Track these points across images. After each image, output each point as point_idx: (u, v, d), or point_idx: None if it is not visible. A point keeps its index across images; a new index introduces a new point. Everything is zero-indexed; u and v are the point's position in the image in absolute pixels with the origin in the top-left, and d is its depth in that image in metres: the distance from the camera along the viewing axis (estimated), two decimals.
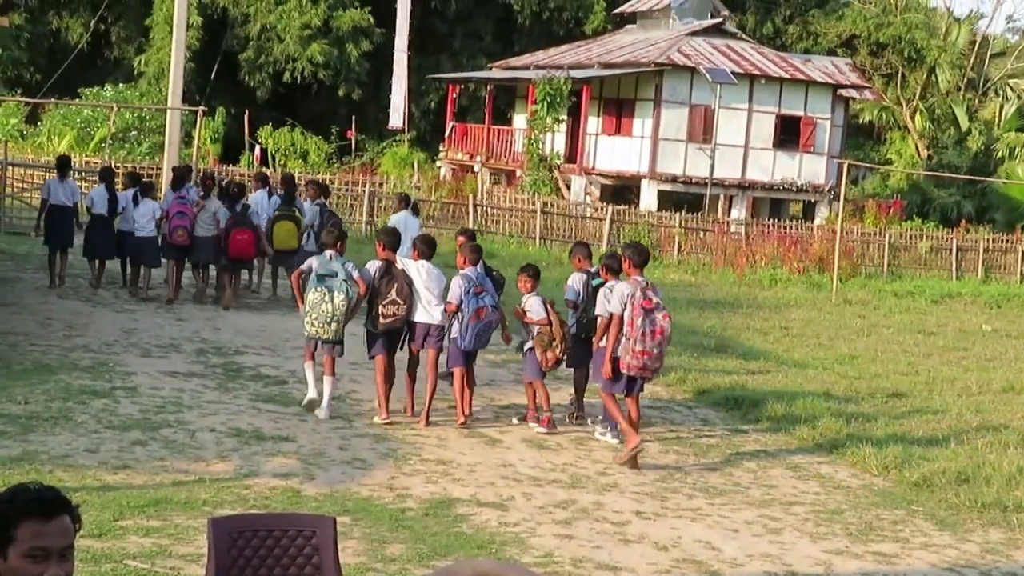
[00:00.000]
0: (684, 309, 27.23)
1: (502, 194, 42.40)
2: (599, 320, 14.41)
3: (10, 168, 32.42)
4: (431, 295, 14.94)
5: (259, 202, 23.08)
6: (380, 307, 14.76)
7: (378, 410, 14.94)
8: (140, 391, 15.00)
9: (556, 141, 46.41)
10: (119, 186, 24.78)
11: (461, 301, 14.83)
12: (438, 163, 52.58)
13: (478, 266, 15.48)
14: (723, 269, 36.30)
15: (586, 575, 10.22)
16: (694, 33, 48.64)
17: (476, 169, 48.79)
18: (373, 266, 14.97)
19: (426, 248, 15.28)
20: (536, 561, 10.29)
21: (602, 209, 39.81)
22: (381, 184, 42.24)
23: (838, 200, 42.64)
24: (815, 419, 16.58)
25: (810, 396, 18.14)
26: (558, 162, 46.04)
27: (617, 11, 55.92)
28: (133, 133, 48.35)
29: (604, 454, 14.34)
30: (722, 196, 45.84)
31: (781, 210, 48.37)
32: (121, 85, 54.19)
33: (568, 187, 45.45)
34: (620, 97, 47.60)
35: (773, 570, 10.85)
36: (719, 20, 50.13)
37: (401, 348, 15.25)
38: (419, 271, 15.00)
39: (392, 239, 15.44)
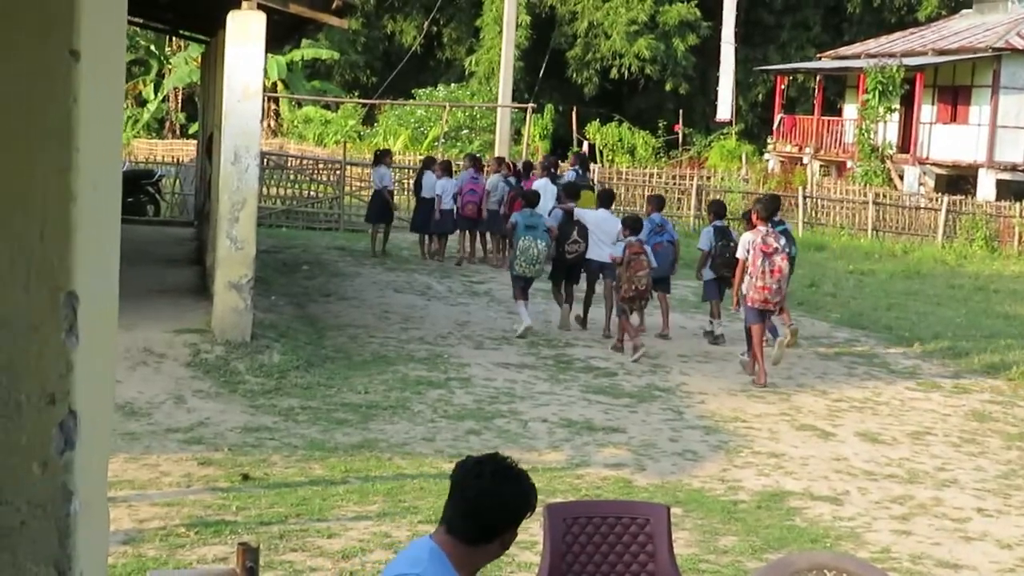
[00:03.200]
0: None
1: (832, 186, 41.66)
2: (700, 255, 18.55)
3: (349, 168, 33.53)
4: (603, 238, 18.71)
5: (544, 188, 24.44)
6: (566, 246, 18.90)
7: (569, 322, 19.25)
8: (474, 382, 15.30)
9: (888, 131, 45.35)
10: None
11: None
12: (766, 155, 52.02)
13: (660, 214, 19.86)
14: None
15: (925, 572, 9.91)
16: None
17: (805, 161, 48.08)
18: (556, 215, 19.56)
19: (604, 199, 19.81)
20: (873, 556, 10.04)
21: (937, 200, 38.67)
22: (708, 178, 42.04)
23: None
24: None
25: None
26: (890, 152, 44.99)
27: None
28: (465, 131, 49.45)
29: (943, 449, 13.91)
30: None
31: None
32: (453, 85, 55.52)
33: (901, 177, 44.34)
34: (955, 84, 46.15)
35: None
36: None
37: (577, 282, 19.44)
38: (595, 218, 19.10)
39: (573, 193, 20.17)
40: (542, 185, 23.34)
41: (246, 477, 10.93)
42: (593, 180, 26.87)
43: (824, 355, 18.82)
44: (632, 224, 17.99)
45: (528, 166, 27.32)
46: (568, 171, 26.83)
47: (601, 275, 19.09)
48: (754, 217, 16.86)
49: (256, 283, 15.63)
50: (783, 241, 16.58)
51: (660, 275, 18.81)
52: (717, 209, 19.60)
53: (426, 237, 26.55)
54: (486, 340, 18.03)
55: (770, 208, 16.97)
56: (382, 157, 27.40)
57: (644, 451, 12.86)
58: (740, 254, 16.63)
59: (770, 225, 16.77)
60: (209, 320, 15.35)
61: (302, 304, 19.37)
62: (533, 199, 19.79)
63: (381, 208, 26.45)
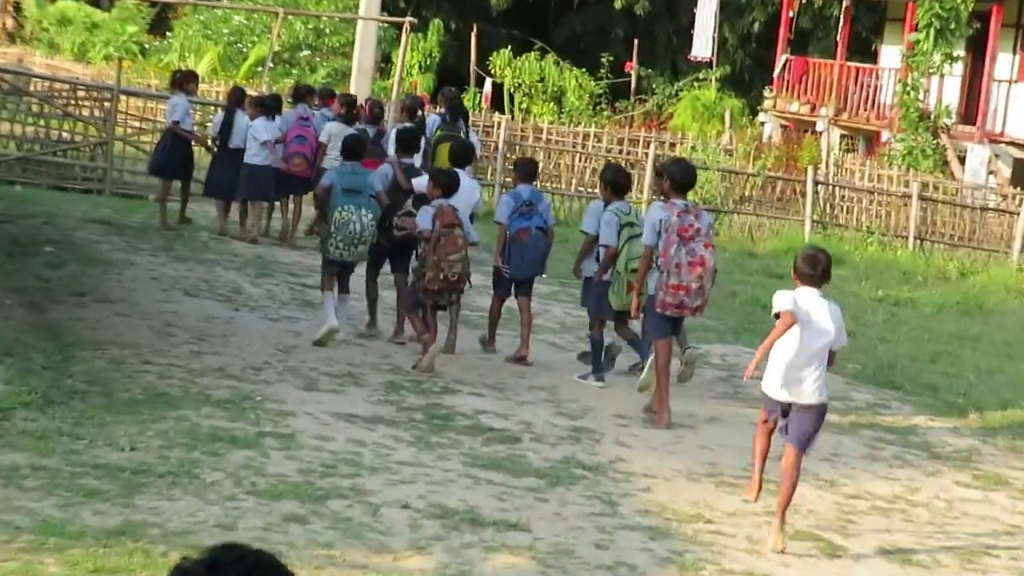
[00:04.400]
0: None
1: (859, 168, 41.97)
2: (583, 241, 18.97)
3: (123, 98, 33.20)
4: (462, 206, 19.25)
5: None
6: (394, 219, 19.49)
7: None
8: (300, 441, 15.19)
9: (946, 89, 45.83)
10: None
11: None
12: (761, 116, 52.39)
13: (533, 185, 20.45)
14: None
15: None
16: None
17: (820, 128, 48.50)
18: (384, 172, 20.19)
19: (457, 156, 20.69)
20: None
21: (1014, 197, 39.06)
22: (673, 144, 42.13)
23: None
24: None
25: None
26: (948, 122, 45.45)
27: None
28: (305, 53, 49.43)
29: None
30: None
31: None
32: None
33: (962, 161, 44.81)
34: None
35: None
36: None
37: (405, 271, 20.12)
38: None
39: (409, 145, 20.99)
40: (338, 129, 25.13)
41: None
42: (467, 132, 27.20)
43: (836, 426, 18.89)
44: (444, 180, 18.89)
45: (377, 107, 27.88)
46: (432, 116, 27.07)
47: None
48: (665, 187, 17.64)
49: None
50: (707, 221, 17.41)
51: (524, 275, 20.05)
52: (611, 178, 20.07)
53: (229, 205, 27.28)
54: (322, 377, 17.96)
55: (688, 176, 17.71)
56: (184, 82, 28.31)
57: (555, 561, 12.82)
58: (647, 239, 17.30)
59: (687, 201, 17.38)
60: None
61: (41, 307, 19.22)
62: (355, 146, 20.32)
63: (176, 157, 26.87)
